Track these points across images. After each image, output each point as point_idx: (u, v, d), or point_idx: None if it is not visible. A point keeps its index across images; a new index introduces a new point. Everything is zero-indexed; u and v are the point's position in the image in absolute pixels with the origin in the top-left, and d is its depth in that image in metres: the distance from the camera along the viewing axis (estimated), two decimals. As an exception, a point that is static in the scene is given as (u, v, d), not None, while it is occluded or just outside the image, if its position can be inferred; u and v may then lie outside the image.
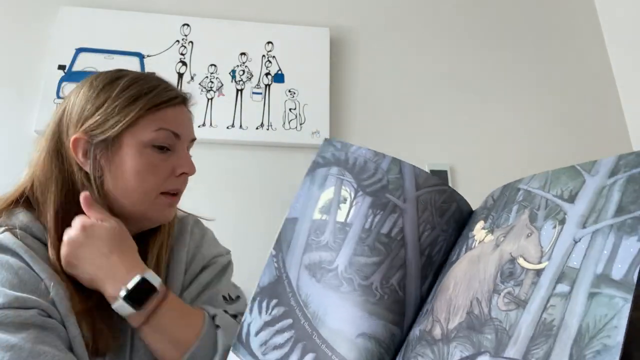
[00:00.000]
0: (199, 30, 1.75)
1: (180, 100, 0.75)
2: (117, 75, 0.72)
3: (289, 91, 1.73)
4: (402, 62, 1.86)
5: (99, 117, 0.68)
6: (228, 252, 0.84)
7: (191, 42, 1.73)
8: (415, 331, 0.48)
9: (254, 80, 1.73)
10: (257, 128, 1.67)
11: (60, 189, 0.68)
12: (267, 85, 1.73)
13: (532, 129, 1.83)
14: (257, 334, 0.53)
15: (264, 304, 0.54)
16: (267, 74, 1.74)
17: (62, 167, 0.69)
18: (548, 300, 0.39)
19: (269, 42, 1.77)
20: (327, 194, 0.55)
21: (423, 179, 0.53)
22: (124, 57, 1.67)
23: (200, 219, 0.87)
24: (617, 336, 0.33)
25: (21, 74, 1.61)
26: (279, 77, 1.74)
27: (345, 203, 0.54)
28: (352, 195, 0.54)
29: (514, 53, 1.92)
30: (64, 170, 0.69)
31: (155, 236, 0.75)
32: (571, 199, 0.42)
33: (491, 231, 0.47)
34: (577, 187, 0.43)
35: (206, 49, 1.73)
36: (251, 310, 0.55)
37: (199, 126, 1.65)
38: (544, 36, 1.96)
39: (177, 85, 1.69)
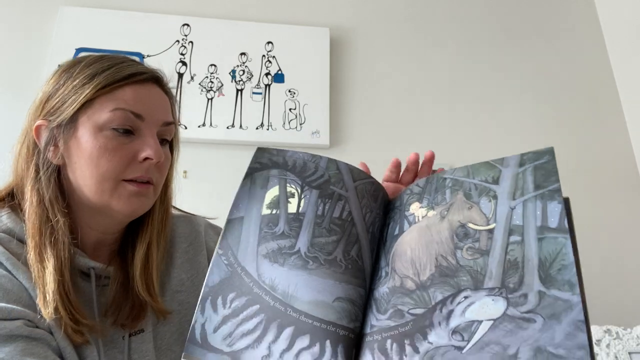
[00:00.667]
0: (199, 30, 1.75)
1: (146, 77, 0.67)
2: (83, 57, 0.67)
3: (289, 91, 1.73)
4: (402, 62, 1.86)
5: (57, 100, 0.64)
6: None
7: (191, 42, 1.73)
8: (382, 289, 0.59)
9: (254, 80, 1.73)
10: (257, 128, 1.67)
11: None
12: (267, 85, 1.73)
13: (532, 129, 1.83)
14: (215, 330, 0.57)
15: (219, 301, 0.58)
16: (267, 74, 1.74)
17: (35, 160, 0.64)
18: (507, 247, 0.53)
19: (269, 42, 1.77)
20: (273, 192, 0.64)
21: (357, 173, 0.65)
22: (124, 57, 1.67)
23: (208, 219, 0.83)
24: (569, 258, 0.49)
25: (21, 74, 1.61)
26: (279, 77, 1.74)
27: (293, 197, 0.63)
28: (299, 190, 0.64)
29: (513, 54, 1.92)
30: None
31: (142, 234, 0.69)
32: (495, 182, 0.58)
33: (431, 208, 0.61)
34: (496, 175, 0.58)
35: (206, 49, 1.73)
36: (202, 310, 0.58)
37: (199, 126, 1.65)
38: (544, 36, 1.96)
39: (177, 85, 1.69)
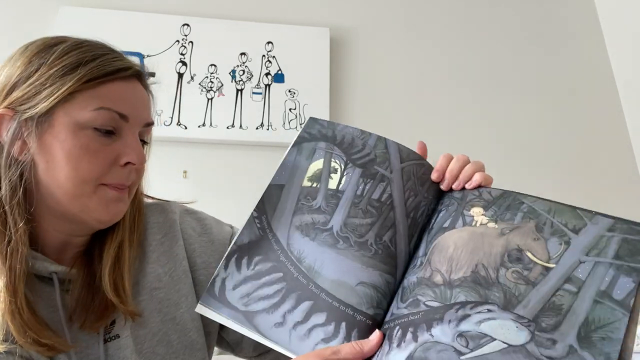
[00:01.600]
0: (199, 30, 1.75)
1: (131, 73, 0.61)
2: (58, 40, 0.60)
3: (289, 91, 1.73)
4: (402, 62, 1.86)
5: (28, 88, 0.56)
6: (233, 227, 0.78)
7: (191, 42, 1.73)
8: (412, 278, 0.56)
9: (254, 80, 1.73)
10: (257, 128, 1.67)
11: None
12: (267, 85, 1.73)
13: (532, 129, 1.83)
14: (235, 287, 0.58)
15: (244, 261, 0.59)
16: (267, 74, 1.74)
17: None
18: (557, 290, 0.49)
19: (269, 42, 1.77)
20: (316, 164, 0.63)
21: (406, 154, 0.63)
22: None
23: (184, 204, 0.76)
24: (619, 334, 0.45)
25: (21, 74, 1.60)
26: (279, 77, 1.74)
27: (335, 173, 0.62)
28: (342, 167, 0.62)
29: (513, 53, 1.92)
30: None
31: (113, 233, 0.63)
32: (575, 232, 0.53)
33: (494, 221, 0.57)
34: (579, 225, 0.54)
35: (206, 49, 1.73)
36: (226, 266, 0.59)
37: (198, 126, 1.65)
38: (544, 37, 1.96)
39: (177, 85, 1.69)
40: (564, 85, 1.90)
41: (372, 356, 0.52)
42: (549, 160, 1.78)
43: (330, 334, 0.53)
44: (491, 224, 0.57)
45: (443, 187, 0.62)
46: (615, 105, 1.90)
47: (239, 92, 1.71)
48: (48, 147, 0.56)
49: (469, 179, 0.62)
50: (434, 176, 0.63)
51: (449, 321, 0.50)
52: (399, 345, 0.51)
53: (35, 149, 0.56)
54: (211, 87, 1.70)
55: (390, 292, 0.57)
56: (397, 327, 0.53)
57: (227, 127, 1.66)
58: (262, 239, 0.59)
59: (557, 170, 1.78)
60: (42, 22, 1.67)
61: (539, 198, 0.58)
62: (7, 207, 0.55)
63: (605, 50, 1.97)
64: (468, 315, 0.50)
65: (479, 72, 1.87)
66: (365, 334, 0.54)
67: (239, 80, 1.72)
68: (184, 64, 1.71)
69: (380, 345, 0.52)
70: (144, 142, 0.64)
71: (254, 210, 0.61)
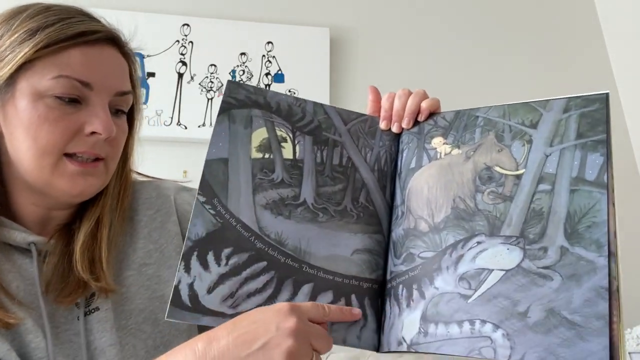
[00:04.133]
0: (199, 30, 1.75)
1: (100, 37, 0.57)
2: (25, 7, 0.57)
3: (289, 91, 1.73)
4: (402, 62, 1.86)
5: None
6: None
7: (191, 42, 1.73)
8: (399, 231, 0.56)
9: (254, 80, 1.73)
10: (257, 128, 1.67)
11: None
12: (267, 85, 1.73)
13: (532, 129, 1.83)
14: (210, 290, 0.50)
15: (210, 257, 0.51)
16: (267, 74, 1.74)
17: None
18: (533, 195, 0.48)
19: (269, 42, 1.77)
20: (260, 133, 0.58)
21: (346, 115, 0.62)
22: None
23: (180, 182, 0.74)
24: (602, 216, 0.44)
25: (21, 74, 1.60)
26: (279, 77, 1.74)
27: (286, 142, 0.58)
28: (291, 135, 0.58)
29: (513, 55, 1.91)
30: None
31: (91, 208, 0.60)
32: (533, 126, 0.52)
33: (457, 146, 0.56)
34: (536, 118, 0.52)
35: (206, 49, 1.73)
36: (187, 268, 0.50)
37: (198, 126, 1.65)
38: (544, 37, 1.96)
39: (177, 85, 1.69)
40: (564, 85, 1.90)
41: (384, 320, 0.52)
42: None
43: None
44: (455, 151, 0.56)
45: (394, 130, 0.61)
46: (615, 106, 1.90)
47: (239, 92, 1.71)
48: (10, 117, 0.54)
49: (417, 111, 0.61)
50: (382, 125, 0.62)
51: (447, 268, 0.50)
52: (408, 305, 0.51)
53: (1, 120, 0.55)
54: (211, 87, 1.70)
55: (383, 250, 0.56)
56: (401, 286, 0.52)
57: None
58: (224, 227, 0.52)
59: (557, 170, 1.78)
60: (42, 22, 1.67)
61: (492, 106, 0.57)
62: None
63: (605, 50, 1.97)
64: (462, 256, 0.50)
65: (479, 71, 1.87)
66: (375, 297, 0.53)
67: (239, 80, 1.72)
68: (184, 64, 1.71)
69: (355, 318, 0.50)
70: (121, 111, 0.61)
71: (199, 194, 0.53)
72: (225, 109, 0.59)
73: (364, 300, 0.52)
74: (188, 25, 1.75)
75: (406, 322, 0.50)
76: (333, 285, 0.52)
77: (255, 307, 0.50)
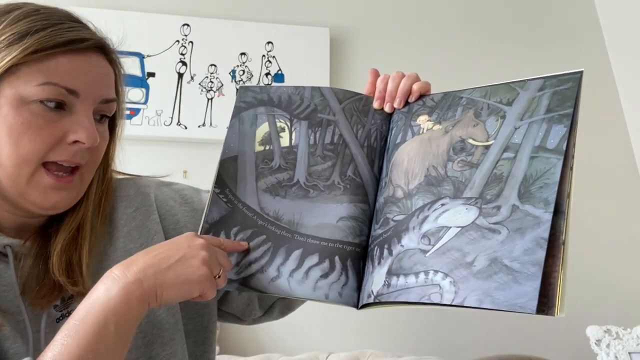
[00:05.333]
0: (199, 30, 1.75)
1: (89, 45, 0.56)
2: (14, 7, 0.56)
3: (289, 91, 1.73)
4: (402, 62, 1.86)
5: None
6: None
7: (191, 42, 1.73)
8: (380, 199, 0.61)
9: (254, 80, 1.73)
10: (257, 128, 1.67)
11: None
12: (268, 85, 1.73)
13: (532, 129, 1.83)
14: None
15: (222, 236, 0.61)
16: (267, 74, 1.74)
17: None
18: (497, 162, 0.52)
19: (269, 42, 1.77)
20: (263, 128, 0.66)
21: (342, 94, 0.67)
22: (123, 57, 1.67)
23: (159, 177, 0.73)
24: (555, 178, 0.47)
25: (21, 74, 1.60)
26: (279, 77, 1.74)
27: (284, 132, 0.65)
28: (289, 124, 0.65)
29: (513, 55, 1.92)
30: None
31: (73, 213, 0.59)
32: (509, 104, 0.57)
33: (438, 122, 0.61)
34: (513, 96, 0.57)
35: (206, 49, 1.73)
36: None
37: (199, 126, 1.65)
38: (544, 37, 1.96)
39: (177, 85, 1.69)
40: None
41: (361, 279, 0.58)
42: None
43: (327, 269, 0.58)
44: (436, 127, 0.60)
45: (387, 109, 0.66)
46: (616, 106, 1.90)
47: (239, 92, 1.71)
48: None
49: (408, 92, 0.65)
50: (375, 104, 0.66)
51: (413, 227, 0.55)
52: (379, 263, 0.56)
53: None
54: (211, 87, 1.70)
55: (368, 218, 0.61)
56: (376, 247, 0.58)
57: (227, 128, 1.66)
58: (233, 211, 0.62)
59: (557, 170, 1.78)
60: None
61: (477, 87, 0.62)
62: None
63: (605, 50, 1.97)
64: (427, 217, 0.54)
65: (479, 71, 1.87)
66: (357, 260, 0.59)
67: (239, 80, 1.72)
68: (184, 64, 1.71)
69: (241, 251, 0.59)
70: (104, 117, 0.60)
71: (214, 187, 0.63)
72: (236, 114, 0.67)
73: (346, 262, 0.58)
74: (188, 25, 1.75)
75: (375, 278, 0.56)
76: (319, 249, 0.59)
77: (253, 273, 0.59)
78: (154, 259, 0.51)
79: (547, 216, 0.46)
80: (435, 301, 0.49)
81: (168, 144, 1.62)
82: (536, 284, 0.44)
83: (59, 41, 0.53)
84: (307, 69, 1.75)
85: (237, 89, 0.66)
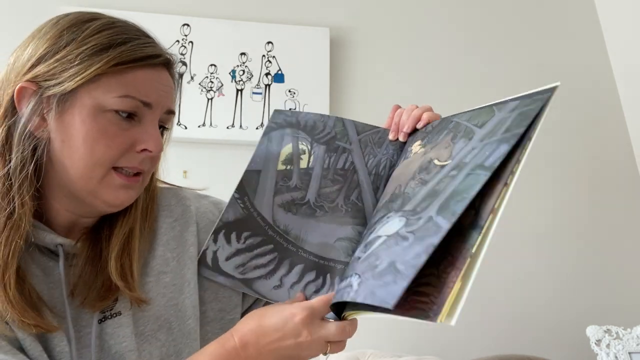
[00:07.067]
0: (199, 30, 1.75)
1: (161, 61, 0.61)
2: (91, 17, 0.59)
3: (289, 91, 1.73)
4: (402, 62, 1.86)
5: (55, 64, 0.55)
6: None
7: (191, 42, 1.73)
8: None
9: (254, 80, 1.73)
10: (257, 128, 1.67)
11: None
12: (267, 85, 1.73)
13: (532, 129, 1.82)
14: (227, 259, 0.66)
15: (233, 236, 0.66)
16: (267, 74, 1.74)
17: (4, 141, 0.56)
18: (441, 180, 0.54)
19: (269, 42, 1.77)
20: (287, 149, 0.71)
21: (361, 127, 0.73)
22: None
23: (197, 190, 0.77)
24: (472, 192, 0.48)
25: (21, 74, 1.60)
26: (279, 77, 1.74)
27: (305, 154, 0.71)
28: (309, 147, 0.71)
29: (513, 54, 1.91)
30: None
31: (124, 218, 0.63)
32: (481, 126, 0.58)
33: (424, 146, 0.64)
34: (487, 119, 0.58)
35: (206, 49, 1.73)
36: (215, 240, 0.66)
37: (199, 126, 1.65)
38: (544, 37, 1.96)
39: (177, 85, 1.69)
40: (564, 85, 1.90)
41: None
42: (548, 161, 1.78)
43: (320, 285, 0.64)
44: (421, 150, 0.64)
45: (401, 138, 0.71)
46: (616, 106, 1.90)
47: (239, 92, 1.71)
48: (67, 126, 0.55)
49: (418, 119, 0.70)
50: (390, 136, 0.72)
51: (363, 239, 0.61)
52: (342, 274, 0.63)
53: (54, 127, 0.55)
54: (211, 87, 1.70)
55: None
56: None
57: (227, 127, 1.66)
58: (248, 217, 0.67)
59: (557, 171, 1.78)
60: (41, 23, 1.67)
61: (467, 110, 0.63)
62: (14, 180, 0.54)
63: (605, 50, 1.97)
64: (375, 229, 0.59)
65: (479, 71, 1.87)
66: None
67: (239, 80, 1.72)
68: (184, 64, 1.71)
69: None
70: (164, 128, 0.65)
71: (235, 192, 0.68)
72: (266, 133, 0.73)
73: (334, 279, 0.64)
74: (188, 25, 1.75)
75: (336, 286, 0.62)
76: (316, 266, 0.65)
77: (257, 277, 0.65)
78: (273, 345, 0.56)
79: (446, 225, 0.47)
80: (343, 299, 0.54)
81: (168, 144, 1.62)
82: (404, 284, 0.46)
83: (138, 56, 0.57)
84: (307, 69, 1.75)
85: (274, 111, 0.76)
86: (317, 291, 0.64)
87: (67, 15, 0.60)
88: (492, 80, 1.87)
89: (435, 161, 0.59)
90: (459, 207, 0.48)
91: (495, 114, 0.58)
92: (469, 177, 0.51)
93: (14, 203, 0.54)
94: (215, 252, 0.66)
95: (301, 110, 1.71)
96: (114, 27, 0.58)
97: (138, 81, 0.57)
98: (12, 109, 0.56)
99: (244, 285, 0.65)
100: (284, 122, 0.74)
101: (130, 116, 0.57)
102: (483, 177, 0.49)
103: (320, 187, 0.69)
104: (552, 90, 0.53)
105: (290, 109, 1.71)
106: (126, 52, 0.56)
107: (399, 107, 0.75)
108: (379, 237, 0.56)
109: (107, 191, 0.58)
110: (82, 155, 0.55)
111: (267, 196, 0.69)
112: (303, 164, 0.70)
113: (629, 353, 1.31)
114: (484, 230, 0.47)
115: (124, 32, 0.58)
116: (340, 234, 0.66)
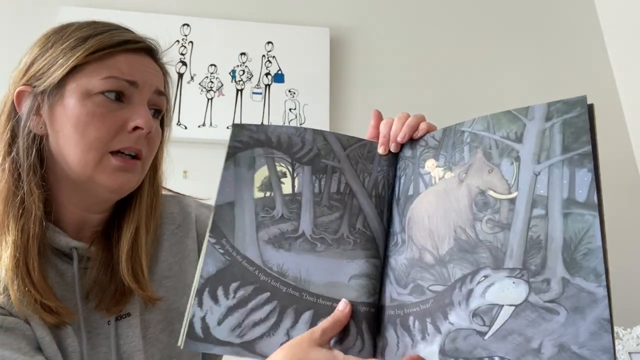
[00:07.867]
0: (199, 30, 1.75)
1: (141, 46, 0.63)
2: (73, 22, 0.63)
3: (289, 91, 1.73)
4: (402, 62, 1.86)
5: (43, 63, 0.59)
6: None
7: (191, 42, 1.73)
8: (400, 259, 0.56)
9: (254, 80, 1.73)
10: (257, 128, 1.67)
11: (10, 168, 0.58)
12: (267, 85, 1.73)
13: (532, 129, 1.82)
14: (220, 322, 0.53)
15: (219, 292, 0.54)
16: (267, 74, 1.74)
17: (11, 142, 0.59)
18: (529, 222, 0.48)
19: (269, 42, 1.77)
20: (261, 172, 0.60)
21: (346, 140, 0.63)
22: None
23: (199, 199, 0.78)
24: (597, 241, 0.44)
25: (21, 74, 1.60)
26: (279, 77, 1.74)
27: (286, 177, 0.60)
28: (290, 169, 0.60)
29: (513, 54, 1.91)
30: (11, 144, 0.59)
31: (130, 214, 0.64)
32: (518, 140, 0.51)
33: (449, 169, 0.56)
34: (520, 130, 0.52)
35: (206, 49, 1.73)
36: (200, 303, 0.54)
37: (199, 126, 1.65)
38: (544, 36, 1.96)
39: (177, 85, 1.69)
40: (564, 85, 1.90)
41: (384, 345, 0.53)
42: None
43: (341, 334, 0.52)
44: (448, 174, 0.56)
45: (392, 149, 0.62)
46: (615, 106, 1.90)
47: (239, 92, 1.71)
48: (58, 117, 0.58)
49: (415, 128, 0.62)
50: (380, 150, 0.63)
51: (459, 303, 0.50)
52: (423, 339, 0.51)
53: (48, 120, 0.58)
54: (211, 87, 1.70)
55: (379, 273, 0.57)
56: (411, 317, 0.53)
57: (227, 127, 1.66)
58: (232, 264, 0.55)
59: (557, 170, 1.78)
60: (41, 22, 1.67)
61: (476, 118, 0.56)
62: (23, 174, 0.57)
63: (605, 50, 1.97)
64: (472, 290, 0.50)
65: (479, 71, 1.87)
66: (372, 321, 0.54)
67: (239, 80, 1.72)
68: (184, 64, 1.71)
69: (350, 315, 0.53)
70: (157, 112, 0.65)
71: (209, 236, 0.56)
72: (231, 155, 0.61)
73: (361, 325, 0.53)
74: (188, 25, 1.75)
75: (423, 355, 0.50)
76: (331, 311, 0.53)
77: (259, 336, 0.53)
78: None
79: (602, 291, 0.43)
80: None
81: (168, 144, 1.61)
82: None
83: (116, 41, 0.60)
84: (307, 69, 1.75)
85: (230, 127, 0.66)
86: (339, 342, 0.52)
87: (54, 26, 0.64)
88: (492, 80, 1.87)
89: (491, 193, 0.51)
90: (597, 264, 0.43)
91: (525, 122, 0.51)
92: (570, 218, 0.46)
93: (24, 191, 0.57)
94: (203, 319, 0.53)
95: (301, 110, 1.71)
96: (94, 24, 0.62)
97: (120, 64, 0.59)
98: (14, 112, 0.60)
99: (245, 351, 0.53)
100: (250, 140, 0.62)
101: (119, 98, 0.59)
102: (591, 218, 0.44)
103: (316, 215, 0.58)
104: (582, 99, 0.49)
105: (290, 109, 1.71)
106: (105, 39, 0.59)
107: (380, 114, 0.67)
108: (497, 305, 0.48)
109: (105, 175, 0.59)
110: (76, 142, 0.57)
111: (249, 233, 0.57)
112: (286, 189, 0.59)
113: (629, 353, 1.31)
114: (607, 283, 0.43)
115: (102, 26, 0.62)
116: (353, 270, 0.55)
